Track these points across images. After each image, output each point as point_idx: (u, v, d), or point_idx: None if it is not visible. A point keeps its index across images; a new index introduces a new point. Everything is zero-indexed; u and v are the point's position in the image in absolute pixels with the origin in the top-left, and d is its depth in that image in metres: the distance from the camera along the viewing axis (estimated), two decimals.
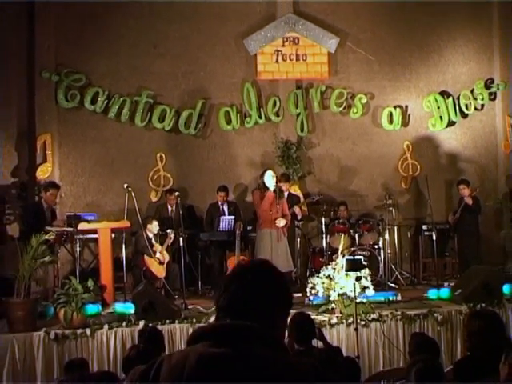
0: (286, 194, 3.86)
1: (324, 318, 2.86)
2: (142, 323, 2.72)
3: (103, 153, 4.35)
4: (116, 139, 4.38)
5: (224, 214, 3.99)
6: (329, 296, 2.95)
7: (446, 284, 3.71)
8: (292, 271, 3.68)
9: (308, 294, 3.10)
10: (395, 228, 4.35)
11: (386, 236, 4.05)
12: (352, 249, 3.75)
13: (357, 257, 3.07)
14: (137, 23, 4.40)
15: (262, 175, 3.48)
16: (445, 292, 3.32)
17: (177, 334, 2.76)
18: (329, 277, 2.97)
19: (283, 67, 4.50)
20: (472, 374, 1.41)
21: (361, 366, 2.19)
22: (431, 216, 4.07)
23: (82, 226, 3.41)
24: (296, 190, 4.28)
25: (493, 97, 4.81)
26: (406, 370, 1.51)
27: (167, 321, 2.78)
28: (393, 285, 3.86)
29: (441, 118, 4.72)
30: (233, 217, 3.90)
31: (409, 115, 4.73)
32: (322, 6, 4.61)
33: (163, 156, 4.39)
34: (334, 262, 3.09)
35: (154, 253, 3.62)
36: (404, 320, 2.89)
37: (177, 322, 2.80)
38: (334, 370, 1.69)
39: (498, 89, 4.78)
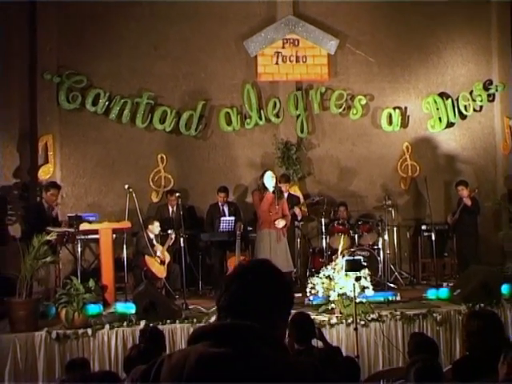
0: (285, 195, 3.88)
1: (324, 317, 2.87)
2: (142, 323, 2.74)
3: (104, 154, 4.37)
4: (117, 140, 4.40)
5: (224, 215, 4.00)
6: (328, 296, 2.96)
7: (444, 284, 3.73)
8: (292, 271, 3.69)
9: (308, 294, 3.12)
10: (394, 228, 4.37)
11: (386, 236, 4.07)
12: (351, 249, 3.76)
13: (356, 257, 3.08)
14: (137, 25, 4.43)
15: (262, 176, 3.50)
16: (444, 292, 3.34)
17: (177, 333, 2.78)
18: (328, 277, 2.99)
19: (283, 69, 4.53)
20: (471, 373, 1.42)
21: (360, 365, 2.19)
22: (430, 217, 4.10)
23: (84, 226, 3.43)
24: (296, 191, 4.30)
25: (491, 98, 4.83)
26: (405, 370, 1.51)
27: (168, 321, 2.79)
28: (392, 285, 3.87)
29: (440, 119, 4.75)
30: (233, 217, 3.92)
31: (408, 116, 4.75)
32: (321, 8, 4.63)
33: (164, 157, 4.42)
34: (333, 263, 3.11)
35: (155, 252, 3.63)
36: (403, 320, 2.90)
37: (177, 321, 2.82)
38: (334, 369, 1.70)
39: (496, 90, 4.81)
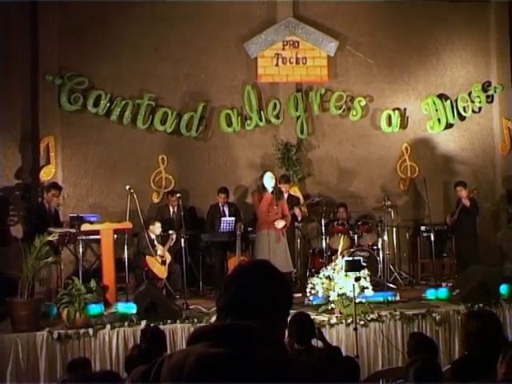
0: (286, 196, 3.90)
1: (324, 317, 2.89)
2: (143, 323, 2.75)
3: (106, 155, 4.39)
4: (118, 141, 4.42)
5: (225, 216, 4.02)
6: (328, 296, 2.98)
7: (444, 284, 3.74)
8: (292, 272, 3.71)
9: (308, 295, 3.13)
10: (394, 229, 4.39)
11: (385, 237, 4.10)
12: (351, 250, 3.78)
13: (356, 257, 3.10)
14: (138, 27, 4.45)
15: (262, 177, 3.52)
16: (443, 292, 3.35)
17: (178, 333, 2.79)
18: (328, 277, 3.01)
19: (283, 70, 4.55)
20: (470, 373, 1.42)
21: (360, 365, 2.20)
22: (429, 217, 4.12)
23: (85, 227, 3.45)
24: (296, 192, 4.32)
25: (490, 99, 4.86)
26: (404, 370, 1.52)
27: (169, 321, 2.81)
28: (391, 285, 3.89)
29: (439, 120, 4.77)
30: (233, 218, 3.94)
31: (407, 118, 4.77)
32: (321, 10, 4.66)
33: (165, 158, 4.44)
34: (333, 263, 3.13)
35: (156, 252, 3.65)
36: (403, 320, 2.92)
37: (178, 321, 2.83)
38: (334, 369, 1.70)
39: (495, 92, 4.84)
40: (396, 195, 4.62)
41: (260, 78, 4.55)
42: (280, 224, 3.43)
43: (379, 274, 3.85)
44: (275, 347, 0.70)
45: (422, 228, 4.38)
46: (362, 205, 4.59)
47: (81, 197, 4.33)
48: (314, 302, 3.10)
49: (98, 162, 4.38)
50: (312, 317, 2.23)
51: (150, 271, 3.62)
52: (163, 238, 3.80)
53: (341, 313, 2.90)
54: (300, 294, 3.28)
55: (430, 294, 3.36)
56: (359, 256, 3.46)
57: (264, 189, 3.46)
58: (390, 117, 4.71)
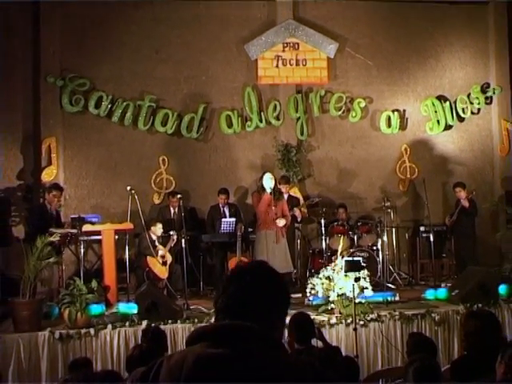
0: (285, 196, 3.92)
1: (323, 318, 2.90)
2: (144, 323, 2.77)
3: (107, 156, 4.41)
4: (119, 142, 4.44)
5: (225, 216, 4.04)
6: (328, 296, 2.99)
7: (443, 285, 3.76)
8: (291, 272, 3.73)
9: (308, 295, 3.15)
10: (393, 230, 4.41)
11: (385, 237, 4.12)
12: (351, 250, 3.80)
13: (356, 258, 3.11)
14: (139, 29, 4.48)
15: (261, 178, 3.55)
16: (442, 292, 3.36)
17: (179, 333, 2.81)
18: (328, 277, 3.02)
19: (283, 72, 4.58)
20: (469, 373, 1.43)
21: (360, 365, 2.22)
22: (428, 218, 4.15)
23: (86, 227, 3.46)
24: (296, 192, 4.33)
25: (489, 101, 4.89)
26: (403, 369, 1.53)
27: (169, 321, 2.82)
28: (391, 285, 3.91)
29: (438, 121, 4.79)
30: (234, 219, 3.96)
31: (406, 119, 4.80)
32: (321, 12, 4.69)
33: (166, 159, 4.46)
34: (333, 263, 3.15)
35: (157, 253, 3.67)
36: (402, 320, 2.93)
37: (179, 321, 2.85)
38: (334, 369, 1.70)
39: (493, 93, 4.86)
40: (395, 196, 4.65)
41: (260, 80, 4.58)
42: (281, 222, 3.45)
43: (379, 274, 3.87)
44: (275, 347, 0.71)
45: (422, 229, 4.40)
46: (362, 205, 4.61)
47: (82, 198, 4.35)
48: (314, 302, 3.11)
49: (99, 163, 4.40)
50: (312, 317, 2.24)
51: (151, 272, 3.64)
52: (164, 239, 3.82)
53: (340, 313, 2.92)
54: (300, 295, 3.30)
55: (430, 294, 3.38)
56: (359, 256, 3.47)
57: (263, 189, 3.48)
58: (389, 118, 4.73)
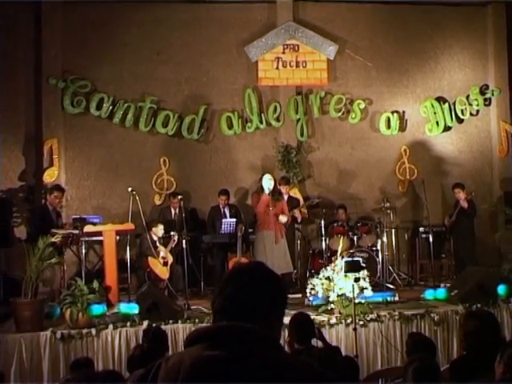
0: (285, 197, 3.94)
1: (323, 318, 2.92)
2: (145, 323, 2.78)
3: (108, 157, 4.43)
4: (120, 144, 4.46)
5: (225, 217, 4.06)
6: (328, 297, 3.01)
7: (442, 285, 3.76)
8: (291, 272, 3.75)
9: (308, 295, 3.17)
10: (393, 230, 4.42)
11: (384, 238, 4.14)
12: (351, 251, 3.81)
13: (355, 258, 3.12)
14: (140, 31, 4.50)
15: (261, 179, 3.59)
16: (441, 293, 3.37)
17: (180, 333, 2.82)
18: (328, 278, 3.04)
19: (283, 74, 4.60)
20: (468, 373, 1.44)
21: (359, 365, 2.23)
22: (428, 219, 4.16)
23: (88, 228, 3.47)
24: (296, 193, 4.35)
25: (488, 102, 4.91)
26: (403, 369, 1.54)
27: (170, 321, 2.83)
28: (390, 286, 3.92)
29: (437, 123, 4.81)
30: (234, 219, 3.98)
31: (406, 120, 4.82)
32: (321, 14, 4.71)
33: (166, 160, 4.48)
34: (333, 264, 3.17)
35: (158, 254, 3.69)
36: (401, 320, 2.95)
37: (180, 322, 2.86)
38: (333, 369, 1.71)
39: (492, 95, 4.88)
40: (395, 197, 4.66)
41: (260, 81, 4.60)
42: (283, 219, 3.48)
43: (378, 274, 3.89)
44: (274, 348, 0.71)
45: (421, 229, 4.43)
46: (362, 206, 4.63)
47: (84, 198, 4.37)
48: (314, 303, 3.12)
49: (100, 164, 4.42)
50: (312, 317, 2.26)
51: (152, 272, 3.66)
52: (165, 240, 3.84)
53: (340, 313, 2.93)
54: (300, 295, 3.32)
55: (429, 294, 3.39)
56: (358, 257, 3.47)
57: (262, 190, 3.52)
58: (388, 119, 4.75)
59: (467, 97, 4.87)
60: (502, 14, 4.89)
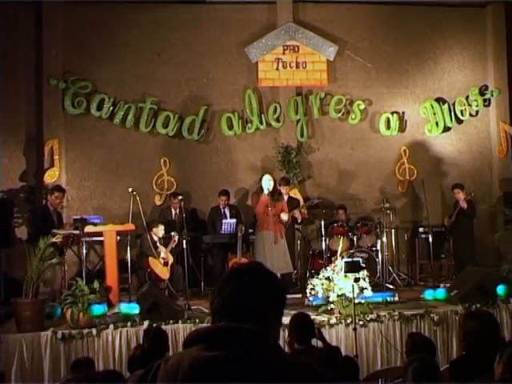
0: (285, 198, 3.95)
1: (323, 318, 2.92)
2: (146, 323, 2.79)
3: (109, 158, 4.44)
4: (121, 144, 4.48)
5: (226, 218, 4.08)
6: (328, 297, 3.02)
7: (441, 285, 3.77)
8: (291, 273, 3.76)
9: (308, 295, 3.18)
10: (392, 231, 4.43)
11: (384, 238, 4.15)
12: (350, 251, 3.83)
13: (355, 259, 3.13)
14: (140, 32, 4.51)
15: (261, 179, 3.61)
16: (441, 293, 3.38)
17: (180, 333, 2.82)
18: (328, 278, 3.05)
19: (283, 74, 4.62)
20: (467, 373, 1.44)
21: (359, 365, 2.24)
22: (427, 219, 4.17)
23: (89, 228, 3.49)
24: (296, 194, 4.36)
25: (487, 103, 4.92)
26: (403, 369, 1.54)
27: (171, 321, 2.84)
28: (390, 286, 3.93)
29: (437, 123, 4.83)
30: (234, 220, 4.00)
31: (405, 121, 4.83)
32: (321, 16, 4.73)
33: (167, 161, 4.49)
34: (333, 264, 3.17)
35: (159, 254, 3.70)
36: (401, 320, 2.96)
37: (180, 322, 2.87)
38: (333, 369, 1.71)
39: (492, 95, 4.89)
40: (394, 197, 4.68)
41: (260, 82, 4.61)
42: (285, 217, 3.52)
43: (378, 274, 3.90)
44: (274, 348, 0.71)
45: (421, 230, 4.44)
46: (361, 207, 4.64)
47: (84, 199, 4.38)
48: (314, 303, 3.13)
49: (101, 165, 4.43)
50: (312, 317, 2.26)
51: (153, 272, 3.67)
52: (165, 240, 3.85)
53: (340, 313, 2.94)
54: (300, 295, 3.33)
55: (428, 294, 3.40)
56: (358, 257, 3.49)
57: (262, 191, 3.54)
58: (388, 120, 4.77)
59: (467, 97, 4.88)
60: (501, 14, 4.90)
